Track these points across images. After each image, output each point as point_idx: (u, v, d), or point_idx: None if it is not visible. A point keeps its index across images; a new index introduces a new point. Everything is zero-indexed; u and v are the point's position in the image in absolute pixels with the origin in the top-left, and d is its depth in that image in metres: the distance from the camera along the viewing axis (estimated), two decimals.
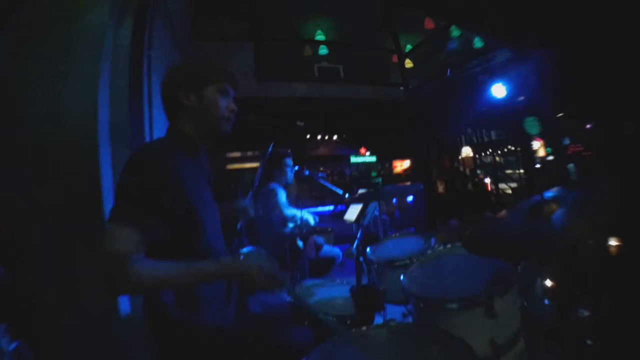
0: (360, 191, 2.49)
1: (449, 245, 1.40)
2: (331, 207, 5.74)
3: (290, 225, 2.45)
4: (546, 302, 1.53)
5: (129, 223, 0.82)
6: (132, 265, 0.78)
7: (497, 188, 5.54)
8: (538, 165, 6.19)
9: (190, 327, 0.93)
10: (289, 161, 2.60)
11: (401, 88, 5.94)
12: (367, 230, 1.69)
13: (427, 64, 6.43)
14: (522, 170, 6.68)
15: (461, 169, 6.87)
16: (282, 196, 2.55)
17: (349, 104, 5.53)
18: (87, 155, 1.46)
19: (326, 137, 8.00)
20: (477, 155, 6.92)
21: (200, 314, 0.95)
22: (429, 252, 1.42)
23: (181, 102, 1.02)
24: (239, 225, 1.94)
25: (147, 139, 2.02)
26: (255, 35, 4.91)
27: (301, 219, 2.46)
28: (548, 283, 1.58)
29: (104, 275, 0.79)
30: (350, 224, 2.84)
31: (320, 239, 2.75)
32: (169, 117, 1.08)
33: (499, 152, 7.77)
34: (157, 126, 2.11)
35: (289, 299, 1.24)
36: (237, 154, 6.02)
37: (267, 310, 1.22)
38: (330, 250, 2.78)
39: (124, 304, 1.51)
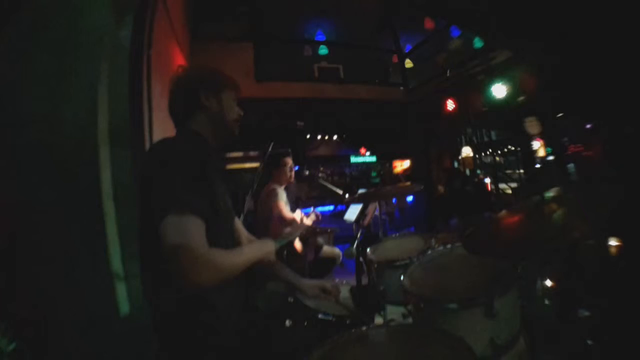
0: (360, 191, 2.49)
1: (449, 245, 1.40)
2: (331, 207, 5.75)
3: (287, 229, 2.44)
4: (546, 302, 1.53)
5: (193, 211, 0.79)
6: (210, 257, 0.78)
7: (497, 188, 5.52)
8: (538, 165, 6.18)
9: (196, 324, 0.92)
10: (289, 161, 2.60)
11: (401, 88, 5.93)
12: (367, 230, 1.68)
13: (427, 64, 6.43)
14: (522, 170, 6.67)
15: (461, 169, 6.86)
16: (283, 196, 2.54)
17: (349, 104, 5.52)
18: (87, 155, 1.46)
19: (326, 137, 8.00)
20: (477, 155, 6.91)
21: (208, 311, 0.95)
22: (429, 252, 1.42)
23: (201, 102, 1.03)
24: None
25: (147, 139, 2.02)
26: (255, 35, 4.91)
27: (301, 220, 2.46)
28: (548, 283, 1.58)
29: (181, 269, 0.74)
30: (350, 224, 2.84)
31: (320, 239, 2.74)
32: (181, 117, 1.06)
33: (499, 152, 7.75)
34: (157, 126, 2.11)
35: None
36: (237, 154, 6.01)
37: (269, 308, 1.22)
38: (330, 250, 2.78)
39: (124, 304, 1.51)
